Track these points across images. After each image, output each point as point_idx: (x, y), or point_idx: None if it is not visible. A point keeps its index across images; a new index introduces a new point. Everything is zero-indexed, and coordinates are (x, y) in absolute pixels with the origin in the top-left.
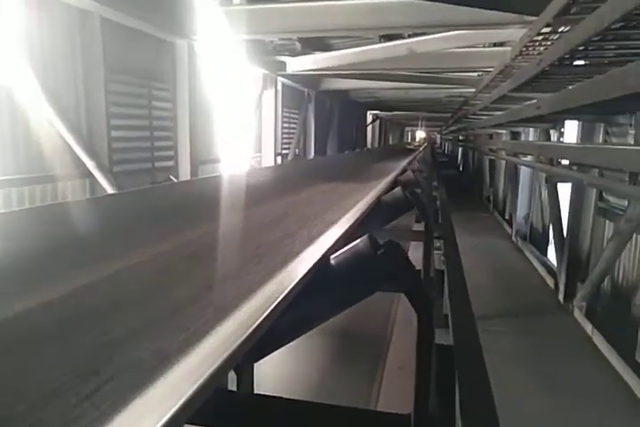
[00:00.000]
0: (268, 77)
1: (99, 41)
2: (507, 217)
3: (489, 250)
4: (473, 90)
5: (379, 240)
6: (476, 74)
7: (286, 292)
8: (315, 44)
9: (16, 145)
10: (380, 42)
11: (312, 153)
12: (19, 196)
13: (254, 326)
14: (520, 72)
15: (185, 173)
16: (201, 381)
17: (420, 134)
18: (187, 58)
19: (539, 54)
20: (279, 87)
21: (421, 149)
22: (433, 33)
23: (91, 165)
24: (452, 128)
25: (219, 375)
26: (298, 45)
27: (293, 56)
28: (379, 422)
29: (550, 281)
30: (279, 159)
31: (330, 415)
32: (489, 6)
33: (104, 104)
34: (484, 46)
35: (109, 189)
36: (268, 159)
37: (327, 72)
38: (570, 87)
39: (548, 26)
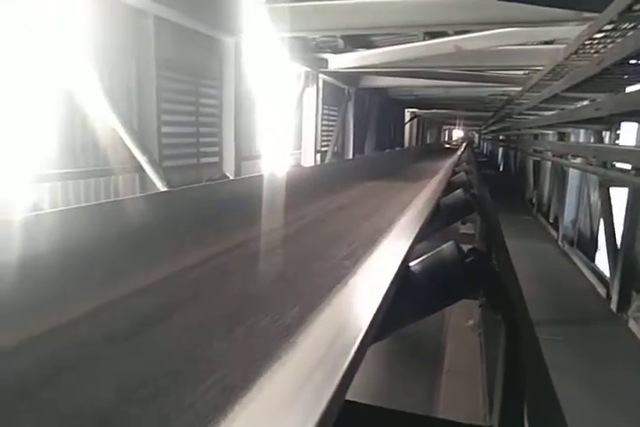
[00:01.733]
0: (310, 75)
1: (151, 39)
2: (551, 220)
3: (534, 254)
4: (518, 89)
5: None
6: (522, 72)
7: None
8: (357, 41)
9: (73, 139)
10: (424, 39)
11: (350, 151)
12: (75, 188)
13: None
14: (577, 71)
15: (229, 170)
16: None
17: (458, 133)
18: (234, 55)
19: (596, 53)
20: (320, 84)
21: (462, 148)
22: (480, 30)
23: (142, 159)
24: (493, 127)
25: None
26: (340, 42)
27: (335, 53)
28: None
29: (601, 289)
30: (318, 157)
31: (409, 424)
32: (545, 3)
33: (155, 100)
34: (532, 44)
35: (159, 184)
36: (308, 156)
37: (369, 69)
38: (630, 88)
39: (611, 23)
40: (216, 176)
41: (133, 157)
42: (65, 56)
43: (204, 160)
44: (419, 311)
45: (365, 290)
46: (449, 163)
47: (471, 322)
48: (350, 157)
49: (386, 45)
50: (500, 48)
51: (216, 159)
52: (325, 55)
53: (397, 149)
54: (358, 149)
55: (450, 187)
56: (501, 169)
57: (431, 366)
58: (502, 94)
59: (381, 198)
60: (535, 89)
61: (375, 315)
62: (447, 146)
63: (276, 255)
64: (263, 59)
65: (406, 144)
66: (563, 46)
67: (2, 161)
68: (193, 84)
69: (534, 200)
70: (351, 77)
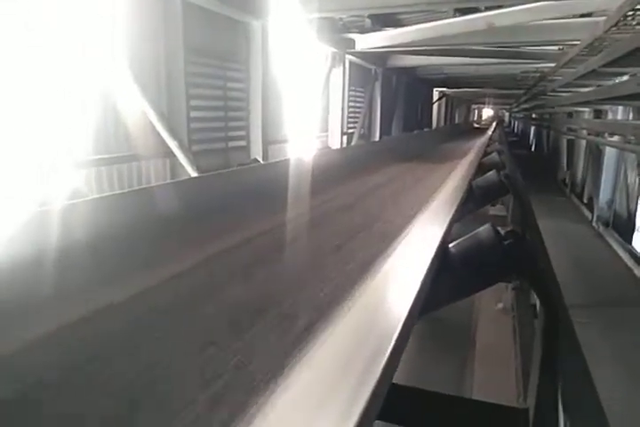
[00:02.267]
0: (337, 55)
1: (179, 23)
2: (585, 201)
3: (567, 236)
4: (552, 65)
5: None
6: (556, 47)
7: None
8: (384, 20)
9: (105, 125)
10: (455, 16)
11: (377, 133)
12: (108, 174)
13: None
14: (617, 45)
15: (256, 153)
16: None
17: (488, 112)
18: (260, 38)
19: (639, 24)
20: (347, 65)
21: (492, 128)
22: (513, 5)
23: (173, 144)
24: (525, 106)
25: None
26: (367, 22)
27: (362, 33)
28: (497, 415)
29: (638, 271)
30: (345, 139)
31: (448, 405)
32: None
33: (183, 85)
34: (567, 17)
35: (189, 169)
36: (335, 139)
37: (397, 49)
38: None
39: None
40: (247, 161)
41: (163, 143)
42: (97, 43)
43: (231, 144)
44: (455, 293)
45: (405, 271)
46: (479, 143)
47: (501, 305)
48: (377, 138)
49: (414, 24)
50: (534, 23)
51: (244, 143)
52: (352, 35)
53: (426, 129)
54: (385, 130)
55: (482, 168)
56: (533, 149)
57: (463, 348)
58: (535, 71)
59: (413, 180)
60: (570, 65)
61: (417, 296)
62: (476, 126)
63: (315, 234)
64: (289, 41)
65: (434, 124)
66: (602, 19)
67: (40, 149)
68: (220, 69)
69: (567, 180)
70: (378, 57)
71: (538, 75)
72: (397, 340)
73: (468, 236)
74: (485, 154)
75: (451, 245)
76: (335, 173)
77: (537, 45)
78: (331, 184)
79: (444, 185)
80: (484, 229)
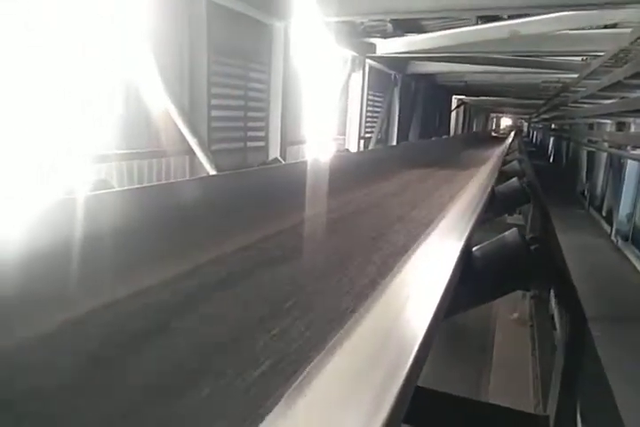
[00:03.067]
0: (357, 60)
1: (204, 23)
2: (604, 214)
3: (586, 248)
4: (575, 75)
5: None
6: (580, 58)
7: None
8: (407, 25)
9: (128, 120)
10: (478, 23)
11: (394, 138)
12: (128, 169)
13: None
14: None
15: (275, 154)
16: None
17: (506, 122)
18: (282, 40)
19: None
20: (366, 70)
21: (510, 137)
22: (537, 14)
23: (193, 142)
24: (544, 116)
25: None
26: (389, 27)
27: (384, 38)
28: (517, 420)
29: None
30: (362, 143)
31: (467, 408)
32: None
33: (206, 84)
34: (592, 28)
35: (208, 167)
36: (352, 143)
37: (418, 55)
38: None
39: None
40: (267, 161)
41: (184, 140)
42: (123, 41)
43: (250, 144)
44: (477, 298)
45: (428, 273)
46: (498, 152)
47: (516, 315)
48: (394, 144)
49: (436, 30)
50: (559, 32)
51: (262, 144)
52: (374, 40)
53: (444, 137)
54: (403, 136)
55: (502, 176)
56: (551, 160)
57: (477, 354)
58: (557, 81)
59: (434, 185)
60: (594, 76)
61: (442, 298)
62: (494, 135)
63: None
64: (311, 44)
65: (452, 132)
66: (628, 30)
67: (64, 142)
68: (242, 69)
69: (586, 193)
70: (399, 63)
71: (560, 85)
72: (424, 339)
73: (492, 240)
74: (505, 162)
75: (474, 249)
76: (360, 174)
77: (560, 55)
78: (357, 185)
79: (465, 190)
80: (509, 234)
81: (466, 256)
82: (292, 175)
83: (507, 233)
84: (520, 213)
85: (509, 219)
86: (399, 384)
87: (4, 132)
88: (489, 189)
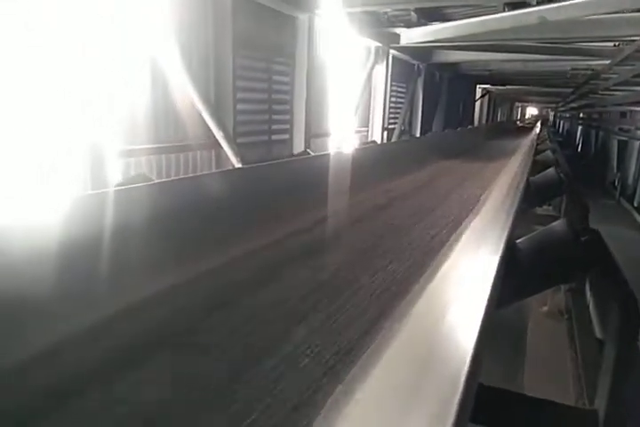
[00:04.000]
0: (381, 50)
1: (229, 16)
2: (636, 205)
3: (617, 240)
4: (607, 62)
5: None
6: (612, 44)
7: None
8: (431, 14)
9: (156, 115)
10: (504, 10)
11: (418, 129)
12: (157, 163)
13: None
14: None
15: (299, 147)
16: None
17: (531, 111)
18: (307, 32)
19: None
20: (390, 60)
21: (538, 127)
22: None
23: (219, 135)
24: (572, 105)
25: None
26: (413, 16)
27: (408, 27)
28: (563, 415)
29: None
30: (385, 135)
31: (512, 402)
32: None
33: (231, 77)
34: (625, 12)
35: (234, 160)
36: (376, 134)
37: (443, 44)
38: None
39: None
40: (297, 153)
41: (210, 134)
42: (150, 35)
43: (275, 137)
44: (521, 291)
45: (473, 267)
46: (527, 141)
47: (546, 308)
48: (417, 135)
49: (461, 18)
50: (590, 17)
51: (286, 136)
52: (397, 30)
53: (469, 127)
54: (426, 127)
55: (535, 166)
56: (579, 149)
57: (511, 349)
58: (586, 68)
59: (464, 176)
60: (627, 62)
61: (491, 294)
62: (520, 124)
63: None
64: (334, 35)
65: (476, 122)
66: None
67: (92, 137)
68: (266, 62)
69: (617, 183)
70: (422, 52)
71: (590, 72)
72: (480, 332)
73: (538, 231)
74: (537, 152)
75: (518, 241)
76: (393, 165)
77: (591, 41)
78: (391, 175)
79: (498, 181)
80: (558, 224)
81: (510, 248)
82: (331, 164)
83: (554, 224)
84: (550, 205)
85: (539, 210)
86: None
87: (30, 126)
88: (525, 179)
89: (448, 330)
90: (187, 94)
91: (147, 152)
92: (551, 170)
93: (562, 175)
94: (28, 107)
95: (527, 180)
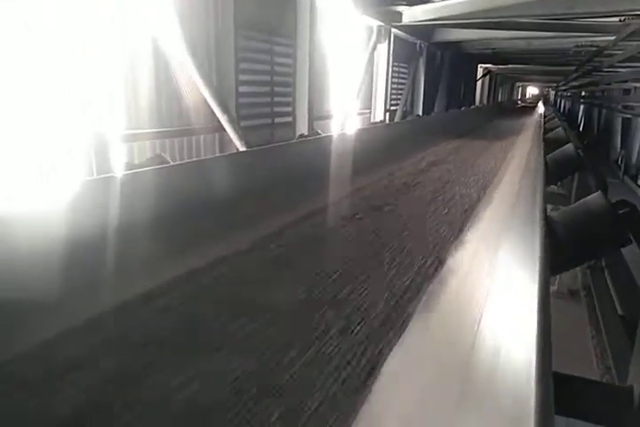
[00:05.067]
0: (383, 29)
1: None
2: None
3: None
4: (612, 38)
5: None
6: (617, 19)
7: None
8: None
9: (159, 99)
10: None
11: (420, 110)
12: (161, 147)
13: None
14: None
15: (302, 129)
16: None
17: (532, 91)
18: (309, 12)
19: None
20: (392, 40)
21: (541, 106)
22: None
23: (223, 118)
24: (574, 83)
25: None
26: None
27: (410, 5)
28: (600, 392)
29: None
30: (387, 116)
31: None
32: None
33: (233, 59)
34: None
35: (238, 144)
36: (379, 115)
37: (445, 22)
38: None
39: None
40: (277, 136)
41: (213, 117)
42: (151, 18)
43: (278, 120)
44: (557, 266)
45: (516, 239)
46: (532, 120)
47: (555, 287)
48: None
49: None
50: None
51: (289, 119)
52: (399, 8)
53: (473, 106)
54: (428, 108)
55: (547, 144)
56: (581, 128)
57: None
58: (590, 45)
59: (478, 154)
60: (633, 37)
61: (541, 269)
62: (522, 104)
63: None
64: (336, 14)
65: (477, 102)
66: None
67: (97, 121)
68: (268, 43)
69: (621, 162)
70: (424, 31)
71: (594, 49)
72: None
73: (574, 204)
74: (546, 131)
75: (554, 214)
76: (402, 144)
77: (596, 17)
78: (403, 153)
79: (513, 158)
80: (593, 198)
81: (545, 222)
82: (360, 140)
83: (589, 197)
84: (556, 184)
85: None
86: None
87: (33, 112)
88: (542, 156)
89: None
90: (189, 77)
91: (150, 136)
92: (569, 146)
93: (579, 152)
94: (29, 93)
95: (545, 157)
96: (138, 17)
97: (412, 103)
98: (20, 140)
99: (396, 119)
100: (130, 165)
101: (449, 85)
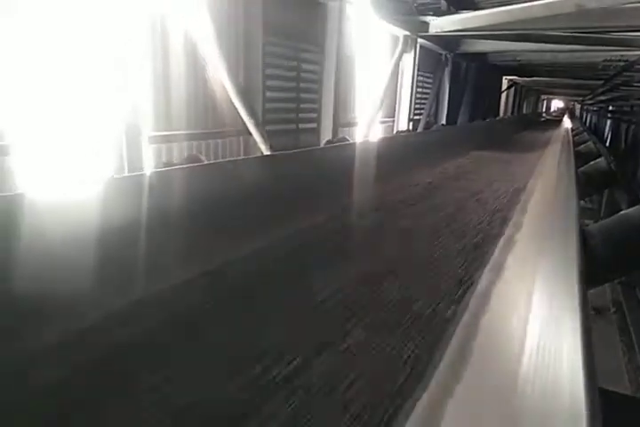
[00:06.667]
0: (409, 39)
1: (259, 3)
2: None
3: None
4: None
5: None
6: None
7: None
8: (461, 2)
9: (189, 102)
10: None
11: (443, 120)
12: (188, 149)
13: None
14: None
15: (327, 136)
16: None
17: (557, 104)
18: (337, 20)
19: None
20: (417, 49)
21: (566, 119)
22: None
23: (250, 122)
24: (601, 97)
25: None
26: (443, 4)
27: (437, 16)
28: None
29: None
30: (411, 126)
31: None
32: None
33: (261, 65)
34: None
35: (263, 147)
36: (402, 125)
37: (472, 33)
38: None
39: None
40: (335, 139)
41: (238, 121)
42: (186, 23)
43: (302, 126)
44: (594, 280)
45: (556, 249)
46: (559, 133)
47: None
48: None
49: (491, 6)
50: (629, 5)
51: (314, 125)
52: (426, 18)
53: (496, 118)
54: (452, 118)
55: (577, 157)
56: (607, 143)
57: None
58: (619, 60)
59: (506, 166)
60: None
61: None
62: (547, 117)
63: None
64: (364, 23)
65: (501, 114)
66: None
67: (128, 122)
68: (295, 50)
69: None
70: (450, 42)
71: (623, 63)
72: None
73: (613, 217)
74: (575, 144)
75: (592, 227)
76: (429, 152)
77: (628, 31)
78: (433, 161)
79: (541, 172)
80: (635, 210)
81: (581, 234)
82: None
83: (630, 211)
84: (584, 200)
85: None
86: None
87: (68, 111)
88: (572, 169)
89: None
90: (218, 81)
91: (177, 138)
92: (601, 160)
93: (612, 166)
94: (64, 93)
95: (577, 170)
96: (175, 23)
97: (436, 113)
98: (57, 137)
99: (419, 129)
100: (168, 164)
101: (473, 96)
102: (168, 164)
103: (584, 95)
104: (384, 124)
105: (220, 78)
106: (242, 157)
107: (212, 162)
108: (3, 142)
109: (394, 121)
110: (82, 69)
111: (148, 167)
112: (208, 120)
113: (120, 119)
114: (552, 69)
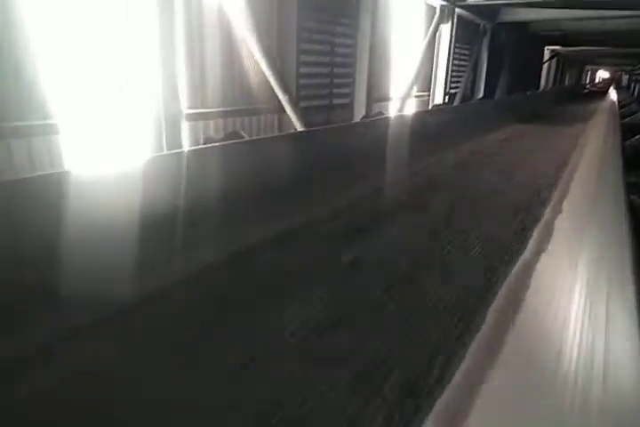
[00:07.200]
0: (446, 9)
1: None
2: None
3: None
4: None
5: None
6: None
7: None
8: None
9: (225, 79)
10: None
11: (481, 94)
12: (224, 126)
13: None
14: None
15: (360, 112)
16: None
17: (602, 74)
18: None
19: None
20: (455, 20)
21: (613, 92)
22: None
23: (284, 99)
24: None
25: None
26: None
27: None
28: None
29: None
30: (446, 99)
31: None
32: None
33: (295, 40)
34: None
35: (297, 124)
36: (438, 99)
37: (514, 1)
38: None
39: None
40: (335, 117)
41: (273, 98)
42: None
43: (335, 102)
44: None
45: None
46: (605, 105)
47: None
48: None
49: None
50: None
51: (347, 101)
52: None
53: (537, 91)
54: (490, 91)
55: (623, 129)
56: None
57: None
58: None
59: (551, 138)
60: None
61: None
62: (591, 88)
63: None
64: None
65: (542, 86)
66: None
67: (165, 100)
68: (330, 24)
69: None
70: (489, 11)
71: None
72: None
73: None
74: (622, 116)
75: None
76: (474, 123)
77: None
78: (479, 132)
79: (587, 146)
80: None
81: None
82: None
83: None
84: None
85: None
86: None
87: (106, 91)
88: (619, 141)
89: None
90: (253, 58)
91: (213, 116)
92: None
93: None
94: (106, 73)
95: (622, 144)
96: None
97: (473, 86)
98: (101, 117)
99: (456, 103)
100: (210, 139)
101: (513, 68)
102: (208, 140)
103: (633, 64)
104: (418, 99)
105: (254, 54)
106: (277, 133)
107: (298, 131)
108: (52, 121)
109: (429, 95)
110: (122, 50)
111: (186, 144)
112: (244, 97)
113: (159, 97)
114: (598, 38)
